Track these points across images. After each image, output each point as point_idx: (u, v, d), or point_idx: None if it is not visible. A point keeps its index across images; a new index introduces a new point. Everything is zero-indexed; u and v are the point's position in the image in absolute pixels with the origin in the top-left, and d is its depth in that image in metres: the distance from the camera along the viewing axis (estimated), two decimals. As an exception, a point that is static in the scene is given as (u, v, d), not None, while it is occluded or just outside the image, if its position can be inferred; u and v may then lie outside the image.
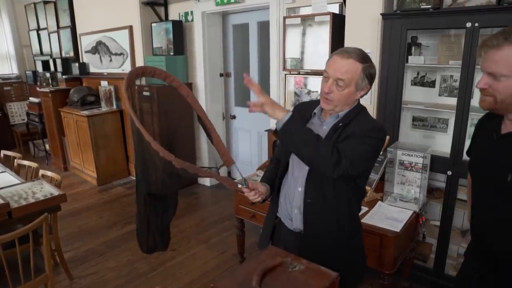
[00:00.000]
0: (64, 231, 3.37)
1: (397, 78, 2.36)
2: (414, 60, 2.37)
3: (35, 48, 6.38)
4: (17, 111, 6.37)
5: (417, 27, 2.31)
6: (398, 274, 2.28)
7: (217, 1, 3.71)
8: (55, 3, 5.53)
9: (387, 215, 2.11)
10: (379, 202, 2.27)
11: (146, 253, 1.40)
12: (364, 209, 2.14)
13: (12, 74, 6.64)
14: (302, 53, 2.94)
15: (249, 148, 4.28)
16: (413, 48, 2.39)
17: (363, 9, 2.55)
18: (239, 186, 1.35)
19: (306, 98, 3.04)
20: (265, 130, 3.30)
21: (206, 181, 4.49)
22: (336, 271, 0.95)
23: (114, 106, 4.78)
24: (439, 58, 2.36)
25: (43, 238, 2.11)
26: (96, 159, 4.57)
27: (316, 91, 2.98)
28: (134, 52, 4.47)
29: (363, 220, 1.99)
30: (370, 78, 1.33)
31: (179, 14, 4.20)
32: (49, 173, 2.85)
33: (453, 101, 2.28)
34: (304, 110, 1.47)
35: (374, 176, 2.33)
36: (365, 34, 2.56)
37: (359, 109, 1.39)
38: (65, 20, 5.45)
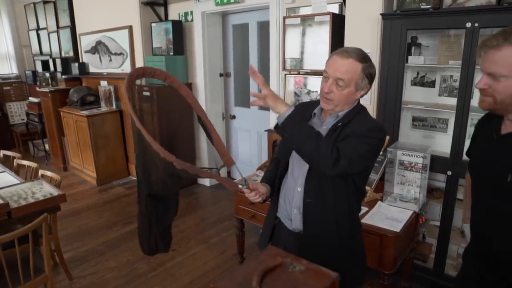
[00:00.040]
0: (63, 231, 3.37)
1: (397, 78, 2.36)
2: (414, 60, 2.37)
3: (35, 48, 6.38)
4: (17, 111, 6.36)
5: (417, 27, 2.30)
6: (398, 274, 2.28)
7: (217, 1, 3.71)
8: (54, 3, 5.53)
9: (387, 215, 2.11)
10: (379, 202, 2.27)
11: (147, 255, 1.40)
12: (364, 209, 2.14)
13: (12, 74, 6.64)
14: (302, 53, 2.94)
15: (249, 148, 4.28)
16: (413, 48, 2.39)
17: (363, 9, 2.55)
18: (240, 186, 1.35)
19: (306, 98, 3.04)
20: (265, 130, 3.30)
21: (206, 181, 4.49)
22: (335, 271, 0.95)
23: (114, 106, 4.78)
24: (439, 58, 2.36)
25: (43, 238, 2.11)
26: (95, 159, 4.57)
27: (316, 91, 2.98)
28: (133, 52, 4.47)
29: (363, 220, 1.99)
30: (370, 78, 1.33)
31: (179, 14, 4.20)
32: (48, 173, 2.85)
33: (453, 101, 2.28)
34: (304, 110, 1.46)
35: (374, 176, 2.33)
36: (365, 34, 2.56)
37: (359, 109, 1.39)
38: (64, 20, 5.44)
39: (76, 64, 5.24)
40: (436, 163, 2.30)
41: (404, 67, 2.35)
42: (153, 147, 1.09)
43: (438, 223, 2.41)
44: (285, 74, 3.17)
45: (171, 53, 4.08)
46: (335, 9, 2.87)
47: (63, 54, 5.68)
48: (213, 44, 4.13)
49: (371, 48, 2.52)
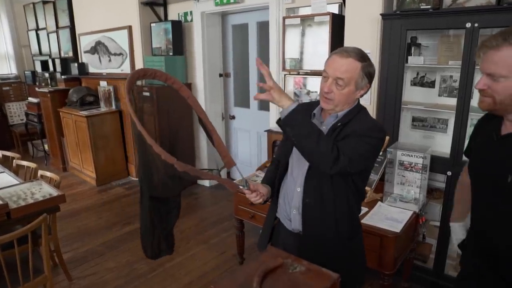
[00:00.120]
0: (63, 232, 3.36)
1: (397, 78, 2.36)
2: (413, 60, 2.37)
3: (34, 48, 6.37)
4: (16, 111, 6.35)
5: (416, 27, 2.30)
6: (398, 274, 2.28)
7: (216, 1, 3.71)
8: (54, 3, 5.52)
9: (387, 215, 2.11)
10: (379, 202, 2.27)
11: (151, 258, 1.38)
12: (364, 209, 2.14)
13: (11, 74, 6.63)
14: (302, 53, 2.94)
15: (249, 149, 4.28)
16: (412, 48, 2.39)
17: (363, 9, 2.55)
18: (241, 187, 1.35)
19: (305, 99, 3.03)
20: (265, 131, 3.30)
21: (206, 182, 4.48)
22: (335, 272, 0.95)
23: (113, 106, 4.77)
24: (439, 58, 2.36)
25: (42, 239, 2.11)
26: (95, 160, 4.56)
27: (316, 92, 2.98)
28: (133, 52, 4.47)
29: (363, 221, 1.99)
30: (370, 77, 1.33)
31: (179, 14, 4.20)
32: (48, 174, 2.85)
33: (452, 101, 2.28)
34: (304, 110, 1.46)
35: (374, 177, 2.33)
36: (365, 34, 2.56)
37: (359, 109, 1.39)
38: (64, 20, 5.44)
39: (76, 64, 5.23)
40: (436, 164, 2.30)
41: (404, 67, 2.35)
42: (154, 149, 1.09)
43: (438, 224, 2.41)
44: (284, 75, 3.17)
45: (171, 53, 4.08)
46: (334, 9, 2.87)
47: (62, 54, 5.68)
48: (212, 44, 4.13)
49: (371, 48, 2.52)
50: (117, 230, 3.47)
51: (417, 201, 2.21)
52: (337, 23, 2.71)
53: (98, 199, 4.27)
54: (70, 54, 5.49)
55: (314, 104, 1.48)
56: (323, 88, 1.32)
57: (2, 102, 6.27)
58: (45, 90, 5.09)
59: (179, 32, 4.09)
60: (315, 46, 2.83)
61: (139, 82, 4.20)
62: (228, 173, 4.36)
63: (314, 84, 2.99)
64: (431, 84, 2.44)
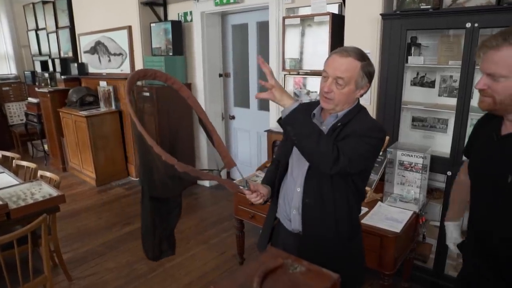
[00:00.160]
0: (63, 232, 3.36)
1: (397, 78, 2.36)
2: (413, 60, 2.37)
3: (34, 48, 6.37)
4: (16, 112, 6.35)
5: (416, 27, 2.30)
6: (398, 274, 2.28)
7: (216, 1, 3.70)
8: (53, 3, 5.52)
9: (387, 215, 2.11)
10: (379, 202, 2.27)
11: (152, 260, 1.38)
12: (364, 209, 2.14)
13: (11, 74, 6.63)
14: (301, 53, 2.94)
15: (249, 149, 4.28)
16: (412, 48, 2.39)
17: (363, 9, 2.55)
18: (241, 188, 1.34)
19: (305, 99, 3.03)
20: (265, 131, 3.29)
21: (205, 182, 4.48)
22: (335, 272, 0.95)
23: (113, 107, 4.77)
24: (439, 58, 2.36)
25: (42, 239, 2.10)
26: (95, 160, 4.56)
27: (315, 92, 2.98)
28: (133, 52, 4.47)
29: (363, 221, 1.99)
30: (369, 76, 1.33)
31: (178, 14, 4.20)
32: (47, 174, 2.84)
33: (452, 101, 2.28)
34: (305, 111, 1.46)
35: (374, 177, 2.33)
36: (365, 34, 2.56)
37: (359, 109, 1.39)
38: (64, 20, 5.44)
39: (75, 65, 5.23)
40: (436, 164, 2.30)
41: (404, 67, 2.35)
42: (154, 150, 1.09)
43: (438, 224, 2.41)
44: (284, 75, 3.17)
45: (171, 54, 4.07)
46: (334, 9, 2.87)
47: (62, 55, 5.68)
48: (212, 45, 4.12)
49: (371, 48, 2.52)
50: (117, 231, 3.46)
51: (417, 201, 2.21)
52: (337, 23, 2.71)
53: (98, 199, 4.26)
54: (70, 54, 5.49)
55: (314, 104, 1.48)
56: (323, 87, 1.32)
57: (2, 102, 6.27)
58: (45, 90, 5.09)
59: (179, 32, 4.09)
60: (315, 46, 2.83)
61: (139, 83, 4.22)
62: (228, 173, 4.35)
63: (314, 84, 2.99)
64: (431, 84, 2.44)
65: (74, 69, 5.28)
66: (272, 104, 3.44)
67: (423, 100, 2.47)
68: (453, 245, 1.52)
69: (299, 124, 1.20)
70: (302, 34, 2.90)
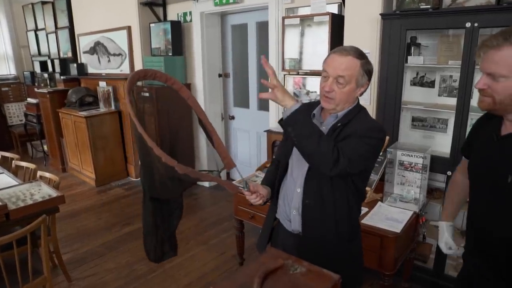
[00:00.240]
0: (62, 233, 3.35)
1: (397, 78, 2.36)
2: (413, 60, 2.37)
3: (33, 48, 6.36)
4: (15, 112, 6.34)
5: (416, 27, 2.30)
6: (398, 275, 2.28)
7: (215, 2, 3.70)
8: (53, 4, 5.52)
9: (387, 215, 2.10)
10: (379, 202, 2.27)
11: (154, 262, 1.37)
12: (364, 209, 2.14)
13: (10, 74, 6.62)
14: (301, 53, 2.94)
15: (248, 149, 4.27)
16: (412, 48, 2.38)
17: (362, 9, 2.54)
18: (241, 188, 1.34)
19: (305, 99, 3.03)
20: (264, 131, 3.29)
21: (205, 182, 4.47)
22: (335, 273, 0.95)
23: (113, 107, 4.76)
24: (439, 58, 2.35)
25: (41, 240, 2.10)
26: (94, 160, 4.56)
27: (315, 92, 2.97)
28: (132, 52, 4.46)
29: (363, 221, 1.99)
30: (369, 74, 1.34)
31: (178, 14, 4.20)
32: (47, 174, 2.84)
33: (452, 101, 2.28)
34: (306, 111, 1.46)
35: (374, 177, 2.33)
36: (364, 34, 2.56)
37: (359, 109, 1.39)
38: (63, 21, 5.43)
39: (75, 65, 5.22)
40: (436, 163, 2.30)
41: (403, 67, 2.35)
42: (154, 151, 1.09)
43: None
44: (284, 75, 3.17)
45: (170, 54, 4.07)
46: (334, 9, 2.87)
47: (61, 55, 5.67)
48: (212, 45, 4.12)
49: (371, 48, 2.52)
50: (116, 231, 3.46)
51: (417, 201, 2.21)
52: (337, 23, 2.70)
53: (98, 199, 4.26)
54: (69, 54, 5.48)
55: (314, 104, 1.47)
56: (324, 87, 1.32)
57: (1, 102, 6.26)
58: (44, 90, 5.08)
59: (178, 33, 4.08)
60: (315, 46, 2.83)
61: (139, 83, 4.22)
62: (228, 174, 4.35)
63: (313, 84, 2.98)
64: (431, 84, 2.44)
65: (73, 69, 5.27)
66: (271, 104, 3.44)
67: (423, 100, 2.46)
68: (444, 245, 1.51)
69: (299, 125, 1.19)
70: (302, 34, 2.90)
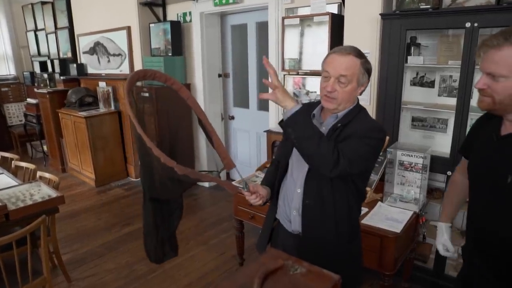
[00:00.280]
0: (62, 233, 3.35)
1: (397, 79, 2.36)
2: (413, 60, 2.37)
3: (33, 49, 6.36)
4: (15, 112, 6.34)
5: (416, 27, 2.30)
6: (398, 275, 2.28)
7: (215, 2, 3.70)
8: (52, 4, 5.51)
9: (387, 215, 2.10)
10: (379, 202, 2.26)
11: (155, 263, 1.37)
12: (364, 209, 2.14)
13: (10, 75, 6.62)
14: (301, 53, 2.94)
15: (248, 149, 4.27)
16: (412, 48, 2.38)
17: (362, 9, 2.54)
18: (240, 189, 1.34)
19: (304, 99, 3.03)
20: (264, 131, 3.29)
21: (205, 182, 4.48)
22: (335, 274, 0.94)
23: (112, 107, 4.76)
24: (439, 58, 2.35)
25: (41, 241, 2.10)
26: (94, 160, 4.55)
27: (315, 92, 2.97)
28: (132, 53, 4.46)
29: (363, 221, 1.99)
30: (369, 73, 1.35)
31: (177, 14, 4.19)
32: (47, 175, 2.83)
33: (452, 101, 2.28)
34: (306, 112, 1.46)
35: (374, 177, 2.33)
36: (364, 34, 2.56)
37: (359, 109, 1.39)
38: (63, 21, 5.43)
39: (75, 65, 5.22)
40: (436, 164, 2.30)
41: (403, 67, 2.35)
42: (154, 152, 1.08)
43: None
44: (284, 75, 3.16)
45: (170, 54, 4.07)
46: (334, 9, 2.87)
47: (61, 55, 5.67)
48: (211, 45, 4.12)
49: (371, 49, 2.52)
50: (116, 231, 3.46)
51: (417, 201, 2.21)
52: (337, 23, 2.70)
53: (97, 200, 4.26)
54: (69, 55, 5.48)
55: (314, 104, 1.47)
56: (326, 87, 1.31)
57: (1, 103, 6.26)
58: (44, 91, 5.08)
59: (178, 33, 4.08)
60: (315, 46, 2.83)
61: (138, 83, 4.21)
62: (228, 174, 4.35)
63: (313, 84, 2.98)
64: (431, 84, 2.44)
65: (73, 69, 5.27)
66: (271, 105, 3.43)
67: (422, 100, 2.46)
68: (442, 246, 1.51)
69: (300, 126, 1.19)
70: (302, 34, 2.89)
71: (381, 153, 2.16)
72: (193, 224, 3.54)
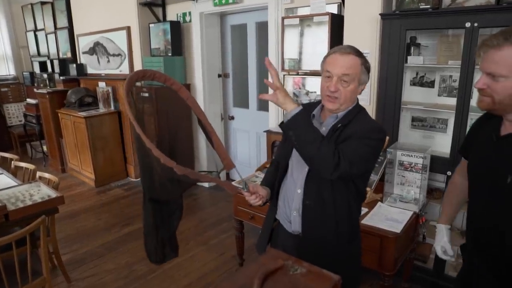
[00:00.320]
0: (62, 233, 3.35)
1: (396, 79, 2.36)
2: (413, 60, 2.37)
3: (32, 49, 6.36)
4: (14, 113, 6.34)
5: (416, 27, 2.30)
6: (398, 275, 2.28)
7: (215, 2, 3.70)
8: (52, 4, 5.51)
9: (387, 216, 2.10)
10: (379, 203, 2.26)
11: (155, 263, 1.37)
12: (364, 210, 2.13)
13: (9, 75, 6.62)
14: (301, 53, 2.94)
15: (248, 149, 4.27)
16: (412, 48, 2.38)
17: (362, 9, 2.54)
18: (240, 189, 1.34)
19: (304, 99, 3.03)
20: (264, 131, 3.29)
21: (205, 183, 4.48)
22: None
23: (112, 107, 4.76)
24: (438, 58, 2.35)
25: (41, 241, 2.09)
26: (94, 161, 4.55)
27: (314, 92, 2.97)
28: (132, 53, 4.46)
29: (363, 221, 1.99)
30: (368, 72, 1.36)
31: (177, 14, 4.19)
32: (46, 175, 2.83)
33: (452, 101, 2.27)
34: (307, 115, 1.45)
35: (373, 177, 2.33)
36: (364, 34, 2.56)
37: (358, 109, 1.38)
38: (62, 21, 5.43)
39: (74, 65, 5.22)
40: (435, 164, 2.30)
41: (403, 67, 2.34)
42: (153, 153, 1.08)
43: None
44: (284, 75, 3.16)
45: (169, 54, 4.07)
46: (333, 9, 2.87)
47: (61, 55, 5.67)
48: (211, 45, 4.12)
49: (370, 49, 2.52)
50: (116, 232, 3.45)
51: (417, 201, 2.21)
52: (336, 23, 2.70)
53: (97, 200, 4.25)
54: (69, 55, 5.48)
55: (314, 104, 1.47)
56: (329, 87, 1.31)
57: (1, 103, 6.25)
58: (44, 91, 5.07)
59: (177, 33, 4.08)
60: (314, 46, 2.82)
61: (138, 83, 4.21)
62: (228, 174, 4.35)
63: (313, 84, 2.98)
64: (431, 84, 2.44)
65: (72, 70, 5.27)
66: (271, 105, 3.43)
67: (422, 100, 2.46)
68: (440, 248, 1.51)
69: (300, 129, 1.20)
70: (301, 34, 2.89)
71: (381, 153, 2.16)
72: (193, 225, 3.54)
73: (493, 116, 1.22)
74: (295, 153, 1.38)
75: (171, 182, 1.16)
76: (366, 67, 1.34)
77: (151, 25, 4.19)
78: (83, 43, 5.22)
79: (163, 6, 4.27)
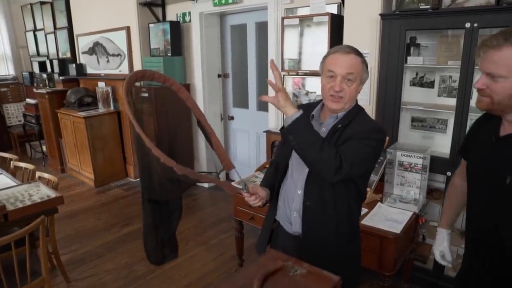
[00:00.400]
0: (61, 234, 3.34)
1: (396, 79, 2.35)
2: (413, 60, 2.37)
3: (32, 49, 6.35)
4: (14, 113, 6.33)
5: (416, 27, 2.30)
6: (398, 275, 2.28)
7: (215, 2, 3.70)
8: (51, 4, 5.51)
9: (387, 216, 2.10)
10: (379, 203, 2.26)
11: (155, 264, 1.37)
12: (363, 210, 2.13)
13: (9, 75, 6.61)
14: (300, 53, 2.94)
15: (247, 149, 4.27)
16: (412, 48, 2.38)
17: (362, 9, 2.54)
18: (240, 190, 1.34)
19: (304, 99, 3.03)
20: (264, 131, 3.29)
21: (204, 183, 4.47)
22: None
23: (112, 107, 4.76)
24: (438, 58, 2.35)
25: (40, 241, 2.09)
26: (93, 161, 4.55)
27: (314, 92, 2.97)
28: (131, 53, 4.45)
29: (362, 222, 1.99)
30: (367, 71, 1.36)
31: (177, 14, 4.19)
32: (46, 175, 2.83)
33: (452, 101, 2.27)
34: (307, 119, 1.45)
35: (373, 177, 2.33)
36: (364, 34, 2.56)
37: (358, 110, 1.38)
38: (62, 21, 5.42)
39: (74, 65, 5.21)
40: (435, 164, 2.30)
41: (403, 68, 2.34)
42: (153, 152, 1.08)
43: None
44: (283, 75, 3.16)
45: (169, 54, 4.06)
46: (333, 9, 2.87)
47: (60, 55, 5.66)
48: (211, 45, 4.12)
49: (370, 49, 2.52)
50: (115, 232, 3.45)
51: (417, 201, 2.21)
52: (336, 24, 2.70)
53: (97, 200, 4.25)
54: (68, 55, 5.47)
55: (314, 105, 1.47)
56: (334, 87, 1.30)
57: (0, 103, 6.25)
58: (43, 91, 5.07)
59: (177, 33, 4.08)
60: (314, 47, 2.82)
61: (137, 83, 4.20)
62: (227, 175, 4.35)
63: (313, 85, 2.98)
64: (431, 84, 2.44)
65: (72, 70, 5.26)
66: (271, 105, 3.41)
67: (422, 100, 2.46)
68: (439, 253, 1.50)
69: (301, 134, 1.19)
70: (301, 35, 2.89)
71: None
72: (192, 225, 3.54)
73: (492, 116, 1.22)
74: (295, 154, 1.38)
75: (171, 182, 1.15)
76: (366, 65, 1.35)
77: (150, 25, 4.19)
78: (82, 43, 5.21)
79: (163, 6, 4.27)
